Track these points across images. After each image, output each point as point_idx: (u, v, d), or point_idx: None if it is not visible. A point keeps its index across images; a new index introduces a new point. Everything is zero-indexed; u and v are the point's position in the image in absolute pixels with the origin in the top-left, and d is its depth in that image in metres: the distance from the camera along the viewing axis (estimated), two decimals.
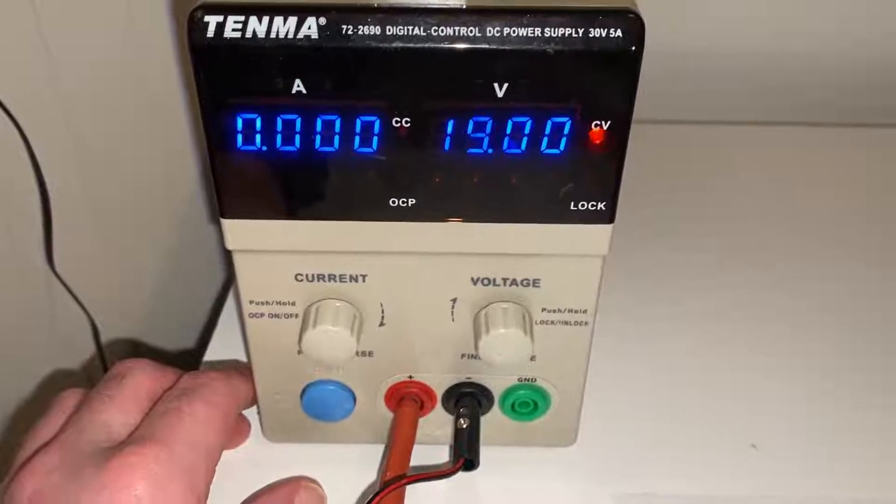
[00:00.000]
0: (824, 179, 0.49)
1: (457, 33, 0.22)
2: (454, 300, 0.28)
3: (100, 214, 0.53)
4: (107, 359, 0.56)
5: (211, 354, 0.37)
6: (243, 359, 0.35)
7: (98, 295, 0.54)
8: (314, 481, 0.30)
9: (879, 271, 0.42)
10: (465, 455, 0.28)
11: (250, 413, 0.33)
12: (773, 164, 0.50)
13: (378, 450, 0.32)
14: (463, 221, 0.25)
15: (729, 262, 0.43)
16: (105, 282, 0.55)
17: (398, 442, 0.29)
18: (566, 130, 0.23)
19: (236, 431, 0.32)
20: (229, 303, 0.40)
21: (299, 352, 0.28)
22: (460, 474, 0.29)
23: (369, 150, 0.24)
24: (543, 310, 0.28)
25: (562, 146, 0.24)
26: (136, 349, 0.58)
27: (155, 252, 0.55)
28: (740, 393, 0.35)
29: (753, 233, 0.45)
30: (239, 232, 0.26)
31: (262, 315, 0.28)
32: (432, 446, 0.31)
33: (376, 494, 0.26)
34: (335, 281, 0.27)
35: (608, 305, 0.31)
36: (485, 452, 0.30)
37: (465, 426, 0.29)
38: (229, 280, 0.42)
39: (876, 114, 0.55)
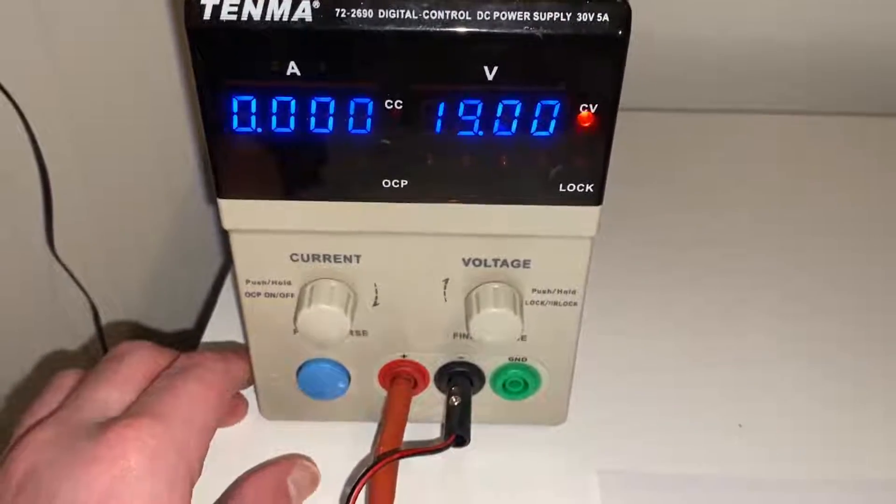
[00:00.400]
0: (816, 168, 0.50)
1: (448, 17, 0.22)
2: (446, 281, 0.28)
3: (99, 198, 0.53)
4: (107, 341, 0.57)
5: (209, 336, 0.38)
6: (241, 340, 0.36)
7: (98, 278, 0.55)
8: (309, 459, 0.31)
9: (867, 257, 0.43)
10: (457, 431, 0.29)
11: (247, 391, 0.34)
12: (767, 154, 0.51)
13: (372, 428, 0.33)
14: (454, 203, 0.26)
15: (718, 248, 0.43)
16: (105, 265, 0.55)
17: (391, 418, 0.29)
18: (555, 113, 0.24)
19: (233, 410, 0.33)
20: (227, 285, 0.41)
21: (295, 331, 0.29)
22: (452, 451, 0.30)
23: (362, 131, 0.24)
24: (533, 290, 0.28)
25: (551, 129, 0.24)
26: (135, 331, 0.58)
27: (154, 235, 0.56)
28: (727, 375, 0.36)
29: (744, 220, 0.45)
30: (235, 212, 0.26)
31: (258, 294, 0.29)
32: (425, 425, 0.32)
33: (370, 468, 0.27)
34: (330, 261, 0.28)
35: (598, 289, 0.32)
36: (476, 430, 0.30)
37: (456, 404, 0.30)
38: (227, 262, 0.43)
39: (874, 103, 0.55)
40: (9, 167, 0.50)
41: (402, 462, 0.28)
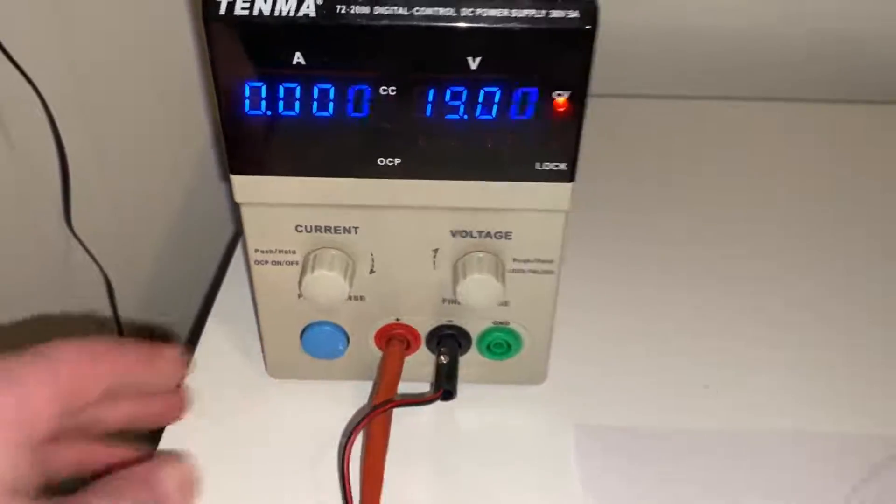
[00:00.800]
0: (799, 154, 0.52)
1: (435, 13, 0.25)
2: (436, 250, 0.31)
3: (114, 176, 0.56)
4: (119, 312, 0.60)
5: (219, 306, 0.41)
6: (249, 307, 0.39)
7: (112, 252, 0.58)
8: (185, 460, 0.27)
9: (835, 225, 0.46)
10: (445, 386, 0.32)
11: (255, 353, 0.37)
12: (763, 140, 0.53)
13: (369, 387, 0.36)
14: (442, 179, 0.29)
15: (692, 219, 0.46)
16: (119, 240, 0.58)
17: (386, 374, 0.32)
18: (531, 99, 0.27)
19: (171, 405, 0.31)
20: (237, 256, 0.43)
21: (299, 295, 0.32)
22: (441, 407, 0.33)
23: (360, 114, 0.27)
24: (514, 259, 0.31)
25: (528, 113, 0.27)
26: (147, 303, 0.61)
27: (167, 210, 0.59)
28: (698, 338, 0.39)
29: (721, 196, 0.48)
30: (246, 186, 0.29)
31: (266, 262, 0.32)
32: (417, 389, 0.35)
33: (366, 415, 0.30)
34: (331, 232, 0.31)
35: (579, 256, 0.35)
36: (463, 390, 0.33)
37: (445, 362, 0.33)
38: (237, 236, 0.46)
39: (869, 91, 0.57)
40: (29, 147, 0.53)
41: (394, 419, 0.32)
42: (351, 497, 0.29)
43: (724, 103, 0.56)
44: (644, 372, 0.37)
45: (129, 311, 0.61)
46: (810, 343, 0.39)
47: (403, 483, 0.31)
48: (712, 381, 0.36)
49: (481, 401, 0.35)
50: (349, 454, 0.29)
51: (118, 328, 0.61)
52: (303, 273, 0.31)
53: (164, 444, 0.34)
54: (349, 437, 0.29)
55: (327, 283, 0.31)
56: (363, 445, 0.31)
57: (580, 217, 0.34)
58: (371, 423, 0.30)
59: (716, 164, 0.51)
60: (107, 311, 0.61)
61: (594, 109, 0.28)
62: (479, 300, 0.31)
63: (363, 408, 0.34)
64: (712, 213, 0.47)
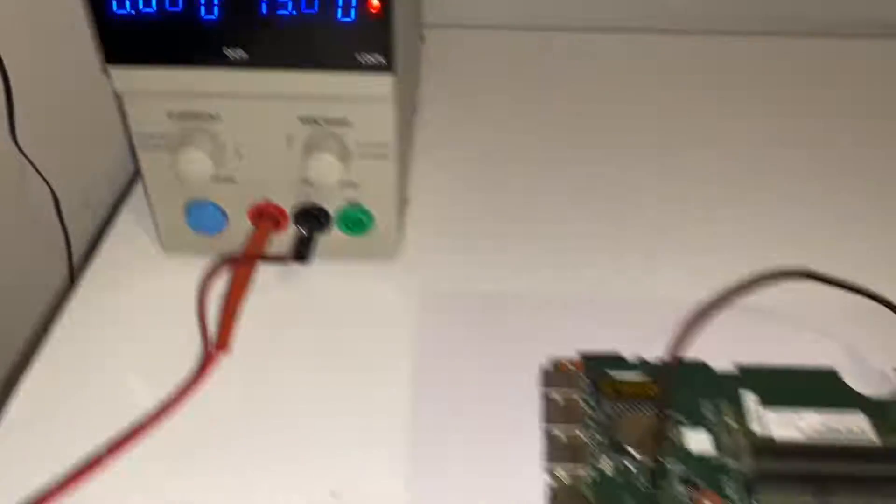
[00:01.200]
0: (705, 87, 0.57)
1: None
2: (289, 135, 0.37)
3: (60, 91, 0.61)
4: (67, 226, 0.66)
5: (133, 198, 0.47)
6: None
7: (59, 169, 0.63)
8: None
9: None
10: (300, 249, 0.38)
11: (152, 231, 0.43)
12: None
13: None
14: (282, 69, 0.34)
15: (566, 107, 0.52)
16: (66, 156, 0.64)
17: (254, 241, 0.38)
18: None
19: None
20: None
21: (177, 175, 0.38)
22: (303, 279, 0.39)
23: (208, 14, 0.33)
24: (357, 143, 0.37)
25: (347, 12, 0.33)
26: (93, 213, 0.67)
27: (112, 125, 0.64)
28: (548, 220, 0.44)
29: (585, 77, 0.53)
30: (121, 77, 0.35)
31: (147, 146, 0.38)
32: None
33: (227, 260, 0.36)
34: (198, 119, 0.37)
35: (440, 142, 0.40)
36: (325, 265, 0.39)
37: (304, 233, 0.39)
38: None
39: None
40: None
41: (260, 289, 0.38)
42: (206, 324, 0.35)
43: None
44: (499, 251, 0.43)
45: (75, 221, 0.67)
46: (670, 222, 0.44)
47: (257, 336, 0.37)
48: (563, 259, 0.42)
49: (338, 274, 0.41)
50: (208, 286, 0.36)
51: (65, 238, 0.67)
52: (174, 153, 0.37)
53: (75, 302, 0.40)
54: (207, 276, 0.36)
55: (192, 161, 0.36)
56: (226, 292, 0.37)
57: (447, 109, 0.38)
58: (234, 272, 0.37)
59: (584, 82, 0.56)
60: (56, 228, 0.66)
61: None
62: (324, 178, 0.37)
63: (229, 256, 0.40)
64: (586, 92, 0.52)
